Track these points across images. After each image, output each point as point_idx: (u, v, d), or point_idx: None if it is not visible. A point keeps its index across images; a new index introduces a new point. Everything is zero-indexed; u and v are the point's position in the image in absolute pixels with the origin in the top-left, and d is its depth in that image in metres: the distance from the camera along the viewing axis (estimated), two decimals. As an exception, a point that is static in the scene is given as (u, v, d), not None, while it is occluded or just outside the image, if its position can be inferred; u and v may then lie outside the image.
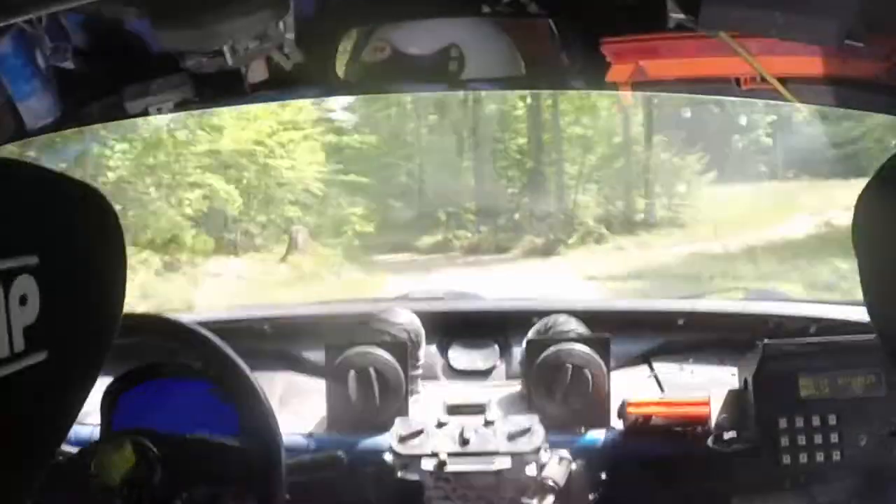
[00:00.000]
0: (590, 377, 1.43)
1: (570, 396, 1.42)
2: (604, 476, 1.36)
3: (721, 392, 1.32)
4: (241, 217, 8.59)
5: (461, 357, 1.69)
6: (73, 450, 1.10)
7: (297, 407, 1.51)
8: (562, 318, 1.57)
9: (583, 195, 9.42)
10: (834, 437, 1.25)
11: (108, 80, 1.15)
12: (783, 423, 1.25)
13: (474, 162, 9.71)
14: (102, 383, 1.25)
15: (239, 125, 8.28)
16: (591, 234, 8.99)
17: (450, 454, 1.26)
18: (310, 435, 1.40)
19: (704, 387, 1.36)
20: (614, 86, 1.07)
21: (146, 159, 8.12)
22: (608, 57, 0.99)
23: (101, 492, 1.04)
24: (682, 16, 0.91)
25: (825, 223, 8.00)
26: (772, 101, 1.10)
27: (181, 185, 8.25)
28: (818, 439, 1.25)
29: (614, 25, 0.98)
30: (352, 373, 1.43)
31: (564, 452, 1.30)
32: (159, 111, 1.18)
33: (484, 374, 1.66)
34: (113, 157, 7.94)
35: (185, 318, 1.34)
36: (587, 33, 0.99)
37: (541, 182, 9.60)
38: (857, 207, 0.64)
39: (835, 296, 7.02)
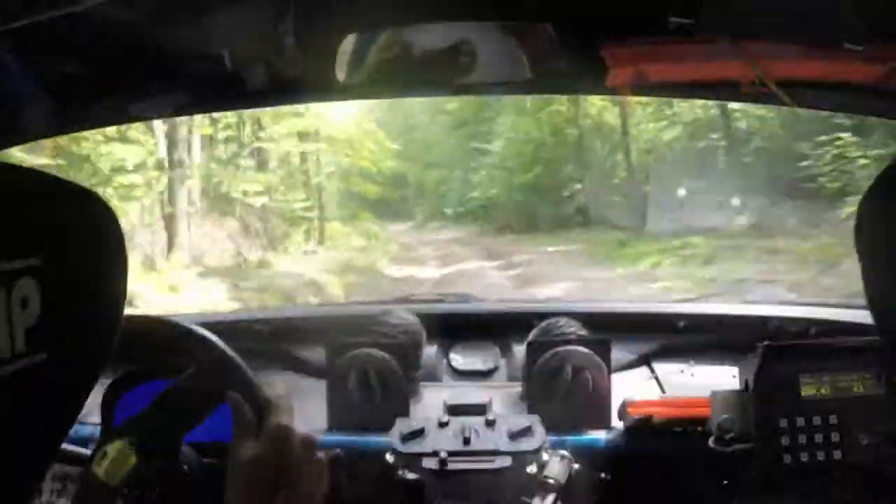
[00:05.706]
0: (590, 379, 1.43)
1: (570, 398, 1.42)
2: (604, 476, 1.36)
3: (722, 392, 1.32)
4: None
5: (462, 359, 1.69)
6: (74, 449, 1.10)
7: (298, 408, 1.50)
8: (562, 320, 1.58)
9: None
10: (835, 437, 1.25)
11: (108, 84, 1.15)
12: (784, 423, 1.25)
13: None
14: (103, 383, 1.25)
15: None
16: None
17: (451, 453, 1.26)
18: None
19: (705, 388, 1.36)
20: (614, 90, 1.08)
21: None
22: (608, 61, 0.99)
23: (101, 492, 1.04)
24: (682, 20, 0.91)
25: None
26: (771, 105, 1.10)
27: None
28: (819, 439, 1.25)
29: (614, 29, 0.98)
30: (353, 374, 1.43)
31: (565, 452, 1.30)
32: (159, 115, 1.18)
33: (485, 375, 1.66)
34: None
35: (186, 319, 1.34)
36: (587, 37, 0.99)
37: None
38: (859, 210, 0.65)
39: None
